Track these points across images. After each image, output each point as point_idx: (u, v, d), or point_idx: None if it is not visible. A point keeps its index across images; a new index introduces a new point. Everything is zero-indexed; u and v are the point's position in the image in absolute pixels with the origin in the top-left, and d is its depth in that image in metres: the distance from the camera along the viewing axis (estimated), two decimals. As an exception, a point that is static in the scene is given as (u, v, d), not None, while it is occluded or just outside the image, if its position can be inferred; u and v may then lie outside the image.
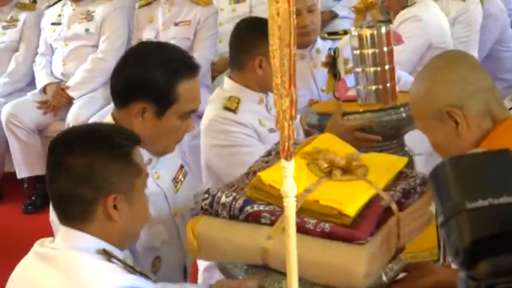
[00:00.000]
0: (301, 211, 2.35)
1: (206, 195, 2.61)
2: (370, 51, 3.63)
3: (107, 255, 2.27)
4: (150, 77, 2.86)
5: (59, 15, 6.67)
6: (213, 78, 6.65)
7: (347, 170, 2.53)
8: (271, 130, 3.65)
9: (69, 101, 6.44)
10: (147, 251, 2.84)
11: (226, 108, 3.64)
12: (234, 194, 2.59)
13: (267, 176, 2.54)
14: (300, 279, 1.70)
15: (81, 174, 2.30)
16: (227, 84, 3.76)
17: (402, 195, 2.49)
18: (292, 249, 1.67)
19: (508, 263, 1.34)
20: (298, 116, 3.84)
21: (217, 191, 2.63)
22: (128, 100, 2.87)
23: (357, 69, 3.70)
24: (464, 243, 1.35)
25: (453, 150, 2.50)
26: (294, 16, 1.57)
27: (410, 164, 3.62)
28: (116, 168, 2.34)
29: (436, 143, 2.59)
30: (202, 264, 3.74)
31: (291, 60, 1.60)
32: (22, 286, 2.39)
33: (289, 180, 1.63)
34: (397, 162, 2.69)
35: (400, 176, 2.62)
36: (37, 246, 2.39)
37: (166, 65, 2.89)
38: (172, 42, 5.92)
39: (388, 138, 3.65)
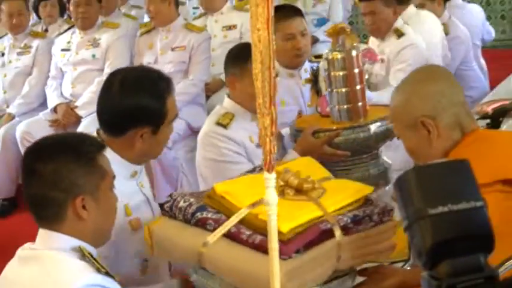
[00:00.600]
0: (243, 222, 2.35)
1: (169, 199, 2.62)
2: (340, 73, 3.53)
3: (81, 253, 2.28)
4: (143, 105, 2.85)
5: (68, 42, 6.66)
6: (207, 97, 6.67)
7: (300, 191, 2.46)
8: (257, 145, 3.61)
9: (78, 119, 6.44)
10: (135, 254, 2.84)
11: (218, 124, 3.65)
12: (191, 199, 2.57)
13: (220, 187, 2.52)
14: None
15: (50, 179, 2.31)
16: (226, 103, 3.77)
17: (352, 220, 2.39)
18: (275, 258, 1.68)
19: (466, 264, 1.33)
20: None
21: (178, 195, 2.62)
22: (124, 130, 2.85)
23: (329, 90, 3.62)
24: (426, 245, 1.35)
25: (424, 156, 2.53)
26: (274, 43, 1.57)
27: (385, 176, 3.64)
28: (81, 172, 2.35)
29: (410, 148, 2.59)
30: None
31: (271, 82, 1.60)
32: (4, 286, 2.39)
33: (271, 190, 1.64)
34: (361, 190, 2.56)
35: (366, 203, 2.54)
36: (19, 251, 2.40)
37: (152, 89, 2.89)
38: (169, 65, 6.02)
39: (358, 153, 3.57)
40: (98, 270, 2.24)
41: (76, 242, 2.31)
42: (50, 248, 2.30)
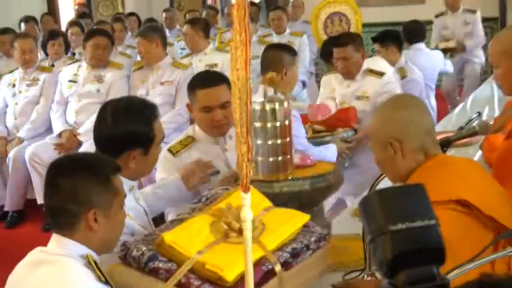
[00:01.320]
0: (193, 271, 2.28)
1: (123, 248, 2.51)
2: (268, 124, 3.04)
3: (87, 260, 2.28)
4: (132, 131, 2.87)
5: (75, 74, 6.66)
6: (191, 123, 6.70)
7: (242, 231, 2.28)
8: (212, 173, 3.48)
9: (79, 144, 6.43)
10: None
11: (169, 150, 3.58)
12: (143, 248, 2.44)
13: (168, 237, 2.39)
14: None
15: (68, 192, 2.31)
16: (196, 128, 3.66)
17: (291, 255, 2.29)
18: (249, 269, 1.65)
19: (420, 274, 1.35)
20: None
21: (132, 244, 2.50)
22: (118, 153, 2.86)
23: (254, 139, 3.09)
24: (386, 257, 1.37)
25: (389, 170, 2.57)
26: (250, 81, 1.59)
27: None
28: (97, 189, 2.34)
29: (378, 161, 2.60)
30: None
31: (247, 115, 1.61)
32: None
33: (246, 208, 1.63)
34: (299, 220, 2.48)
35: (304, 229, 2.48)
36: (29, 256, 2.39)
37: (139, 116, 2.90)
38: (159, 97, 6.07)
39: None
40: (99, 279, 2.24)
41: (84, 250, 2.31)
42: (61, 252, 2.30)
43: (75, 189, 2.32)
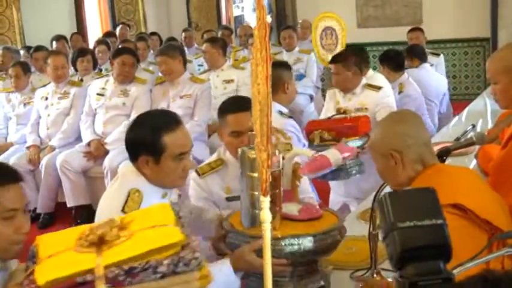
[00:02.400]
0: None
1: None
2: (254, 174, 2.55)
3: None
4: (139, 138, 2.87)
5: (103, 88, 6.69)
6: (209, 136, 6.73)
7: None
8: (228, 199, 3.36)
9: (106, 152, 6.47)
10: None
11: (196, 171, 3.43)
12: None
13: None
14: None
15: None
16: (227, 152, 3.42)
17: (126, 273, 1.71)
18: (268, 270, 1.64)
19: (428, 267, 1.38)
20: None
21: None
22: (135, 157, 2.88)
23: (241, 191, 2.71)
24: (396, 251, 1.40)
25: (391, 179, 2.58)
26: (271, 95, 1.59)
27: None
28: None
29: (380, 171, 2.62)
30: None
31: (267, 126, 1.62)
32: None
33: (266, 210, 1.63)
34: (166, 239, 1.83)
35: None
36: None
37: (149, 125, 2.88)
38: (179, 110, 6.04)
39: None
40: None
41: None
42: None
43: None
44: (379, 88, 5.25)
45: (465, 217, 2.28)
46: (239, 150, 2.65)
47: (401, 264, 1.40)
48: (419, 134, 2.55)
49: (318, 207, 2.85)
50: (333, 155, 2.86)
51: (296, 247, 2.52)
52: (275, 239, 2.48)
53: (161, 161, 2.82)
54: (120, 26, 11.11)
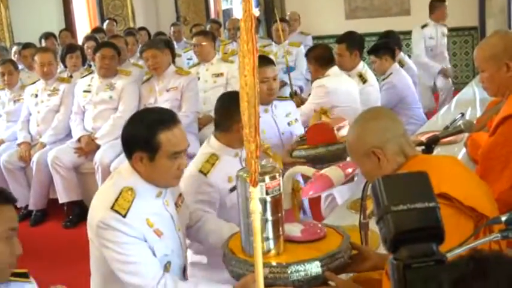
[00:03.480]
0: None
1: None
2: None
3: None
4: (134, 134, 2.84)
5: (89, 85, 6.68)
6: (200, 129, 6.73)
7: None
8: (230, 190, 3.41)
9: (97, 147, 6.44)
10: (162, 257, 2.84)
11: (201, 171, 3.40)
12: None
13: None
14: None
15: None
16: (212, 142, 3.55)
17: None
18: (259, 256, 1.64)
19: (421, 250, 1.40)
20: None
21: None
22: (130, 154, 2.86)
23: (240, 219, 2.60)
24: (390, 234, 1.41)
25: (376, 177, 2.53)
26: (258, 86, 1.59)
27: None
28: None
29: (365, 172, 2.59)
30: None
31: (256, 117, 1.62)
32: None
33: (256, 200, 1.64)
34: None
35: None
36: None
37: (144, 122, 2.85)
38: (166, 103, 6.12)
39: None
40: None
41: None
42: None
43: None
44: (364, 81, 5.27)
45: (451, 205, 2.28)
46: (236, 175, 2.58)
47: (395, 247, 1.41)
48: (395, 127, 2.55)
49: (319, 225, 2.77)
50: (335, 174, 2.75)
51: (303, 273, 2.42)
52: (280, 267, 2.42)
53: (156, 159, 2.80)
54: (107, 21, 11.07)
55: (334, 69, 5.55)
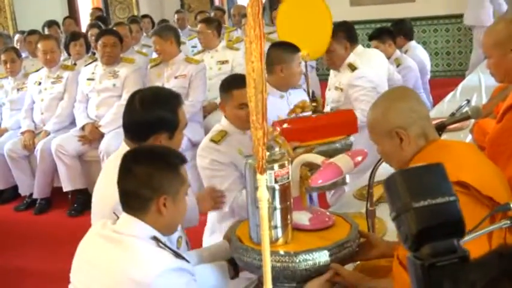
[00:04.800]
0: None
1: None
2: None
3: (157, 242, 2.29)
4: (160, 117, 2.88)
5: (93, 73, 6.61)
6: (204, 117, 6.72)
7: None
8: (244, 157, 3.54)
9: (101, 135, 6.41)
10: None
11: (212, 140, 3.62)
12: None
13: None
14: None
15: (142, 179, 2.33)
16: (222, 121, 3.75)
17: None
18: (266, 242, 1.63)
19: (443, 247, 1.33)
20: None
21: None
22: (146, 137, 2.86)
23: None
24: (412, 232, 1.35)
25: (396, 158, 2.50)
26: (265, 71, 1.57)
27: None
28: (169, 176, 2.36)
29: (384, 152, 2.54)
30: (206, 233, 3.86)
31: (263, 103, 1.59)
32: (87, 259, 2.40)
33: (263, 188, 1.60)
34: None
35: None
36: (100, 229, 2.41)
37: (166, 103, 2.92)
38: (173, 90, 6.00)
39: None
40: (176, 255, 2.28)
41: (152, 231, 2.33)
42: (131, 234, 2.31)
43: (149, 176, 2.34)
44: (354, 69, 5.17)
45: (468, 194, 2.25)
46: (245, 163, 2.56)
47: (417, 245, 1.35)
48: (420, 109, 2.50)
49: (327, 213, 2.75)
50: (345, 162, 2.69)
51: (311, 262, 2.40)
52: (289, 255, 2.40)
53: (174, 135, 2.91)
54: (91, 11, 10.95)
55: (359, 48, 5.55)
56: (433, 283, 1.29)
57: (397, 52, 6.85)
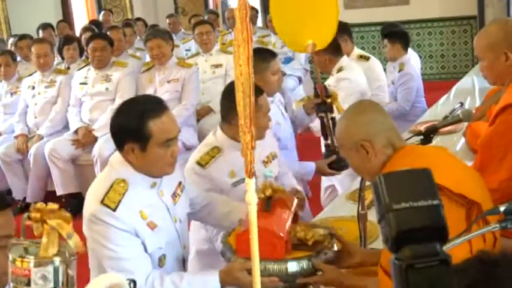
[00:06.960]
0: None
1: None
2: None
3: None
4: (124, 124, 2.74)
5: (85, 77, 6.63)
6: (198, 120, 6.72)
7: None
8: (233, 184, 3.38)
9: (95, 139, 6.41)
10: (155, 250, 2.77)
11: (198, 163, 3.36)
12: None
13: None
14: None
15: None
16: (218, 135, 3.46)
17: None
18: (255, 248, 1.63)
19: (424, 249, 1.33)
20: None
21: None
22: (120, 145, 2.76)
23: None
24: (392, 233, 1.35)
25: (366, 170, 2.53)
26: (253, 75, 1.57)
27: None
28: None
29: (354, 165, 2.58)
30: (192, 249, 3.55)
31: (251, 107, 1.59)
32: None
33: (252, 192, 1.61)
34: None
35: None
36: None
37: (133, 111, 2.74)
38: (166, 94, 6.09)
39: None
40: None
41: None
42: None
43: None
44: (340, 70, 5.10)
45: (441, 195, 2.27)
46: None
47: (397, 247, 1.35)
48: (383, 120, 2.53)
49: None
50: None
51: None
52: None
53: (148, 149, 2.71)
54: (103, 12, 11.03)
55: (345, 60, 5.29)
56: (412, 285, 1.28)
57: (406, 57, 6.56)
